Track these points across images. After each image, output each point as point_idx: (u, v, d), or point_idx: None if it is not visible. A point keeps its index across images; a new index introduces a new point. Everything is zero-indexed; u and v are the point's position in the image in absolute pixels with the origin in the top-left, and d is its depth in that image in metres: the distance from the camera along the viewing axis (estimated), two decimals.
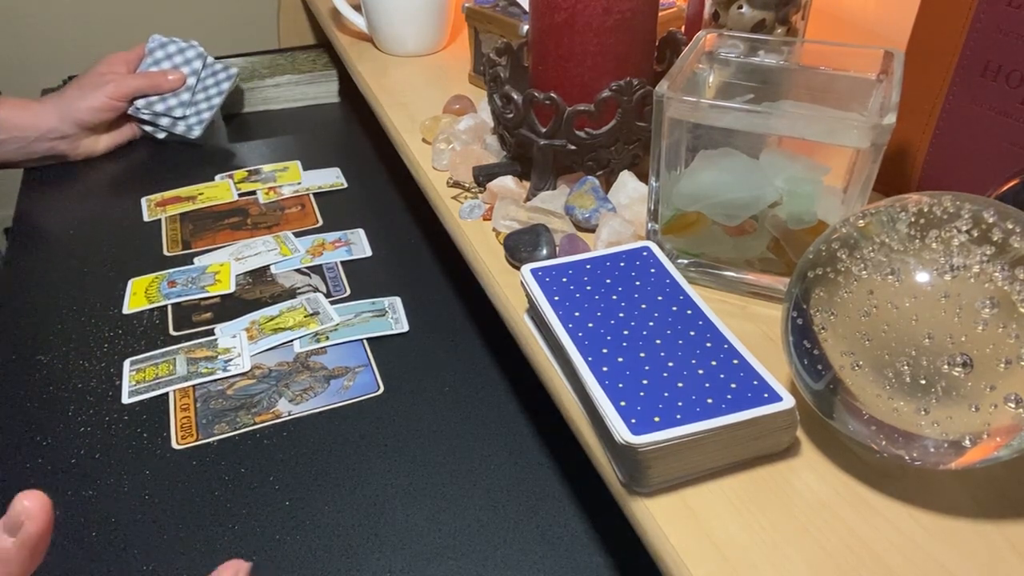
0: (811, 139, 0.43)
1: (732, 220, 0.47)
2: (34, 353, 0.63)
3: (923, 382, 0.32)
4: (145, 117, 0.90)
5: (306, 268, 0.73)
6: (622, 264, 0.47)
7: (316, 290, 0.70)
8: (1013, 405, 0.31)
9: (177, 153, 0.93)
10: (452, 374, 0.61)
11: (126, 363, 0.62)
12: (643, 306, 0.43)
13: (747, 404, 0.37)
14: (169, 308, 0.68)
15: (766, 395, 0.37)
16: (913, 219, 0.34)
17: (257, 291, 0.70)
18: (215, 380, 0.60)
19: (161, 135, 0.92)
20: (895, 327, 0.33)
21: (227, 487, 0.52)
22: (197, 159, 0.92)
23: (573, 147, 0.56)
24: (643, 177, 0.57)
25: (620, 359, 0.40)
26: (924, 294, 0.32)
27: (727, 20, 0.61)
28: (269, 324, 0.65)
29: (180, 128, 0.91)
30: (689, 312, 0.43)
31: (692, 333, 0.41)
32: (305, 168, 0.90)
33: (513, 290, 0.51)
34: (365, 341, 0.64)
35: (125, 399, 0.59)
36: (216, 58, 0.94)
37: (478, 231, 0.57)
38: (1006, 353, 0.31)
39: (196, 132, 0.91)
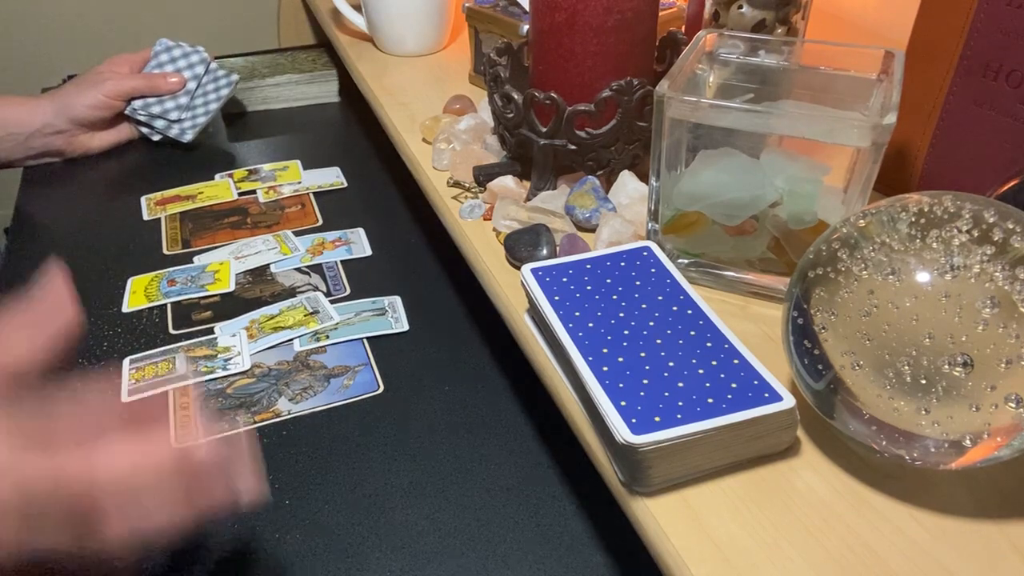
0: (811, 139, 0.43)
1: (732, 220, 0.47)
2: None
3: (923, 382, 0.32)
4: (141, 118, 0.90)
5: (306, 267, 0.73)
6: (622, 264, 0.47)
7: (316, 289, 0.70)
8: (1013, 405, 0.31)
9: (177, 152, 0.93)
10: (452, 374, 0.61)
11: (126, 361, 0.62)
12: (643, 306, 0.43)
13: (747, 404, 0.37)
14: (169, 307, 0.68)
15: (766, 395, 0.37)
16: (913, 219, 0.35)
17: (257, 290, 0.70)
18: (215, 379, 0.60)
19: (156, 137, 0.92)
20: (896, 327, 0.33)
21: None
22: (197, 158, 0.92)
23: (573, 147, 0.56)
24: (643, 177, 0.57)
25: (620, 359, 0.40)
26: (924, 294, 0.33)
27: (727, 20, 0.61)
28: (269, 323, 0.65)
29: (174, 131, 0.91)
30: (689, 312, 0.43)
31: (692, 333, 0.41)
32: (305, 167, 0.90)
33: (513, 290, 0.51)
34: (365, 340, 0.64)
35: (124, 398, 0.58)
36: (216, 58, 0.94)
37: (478, 231, 0.57)
38: (1006, 353, 0.31)
39: (188, 136, 0.91)
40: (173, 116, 0.90)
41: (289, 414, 0.57)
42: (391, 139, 0.73)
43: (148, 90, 0.89)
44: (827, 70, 0.50)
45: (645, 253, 0.47)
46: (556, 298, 0.44)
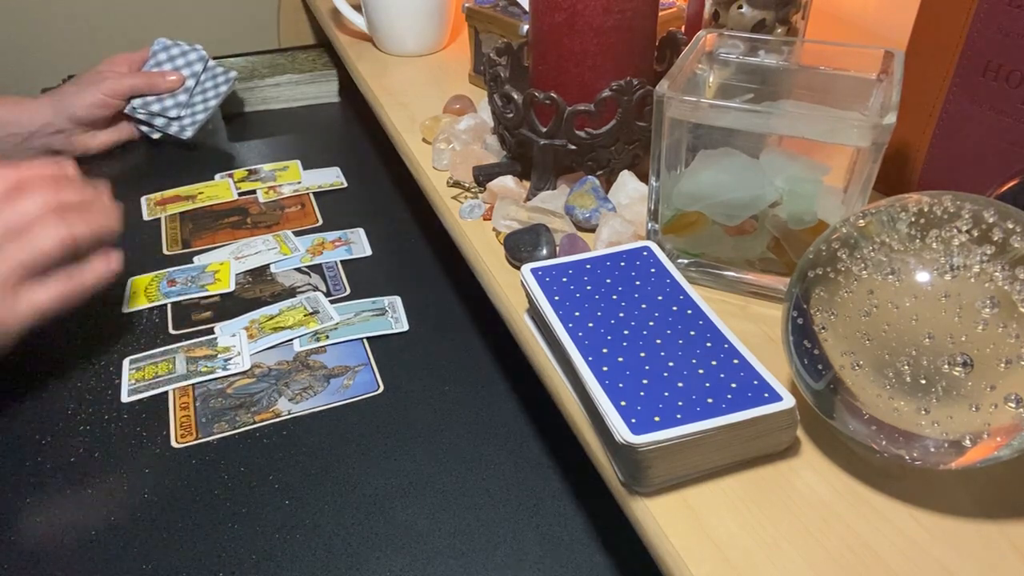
0: (812, 139, 0.43)
1: (732, 220, 0.47)
2: (33, 351, 0.63)
3: (923, 382, 0.32)
4: (141, 117, 0.90)
5: (306, 267, 0.73)
6: (622, 264, 0.47)
7: (316, 289, 0.70)
8: (1013, 405, 0.31)
9: (177, 152, 0.93)
10: (452, 374, 0.61)
11: (125, 362, 0.62)
12: (643, 306, 0.43)
13: (747, 404, 0.37)
14: (169, 307, 0.68)
15: (766, 395, 0.37)
16: (913, 219, 0.35)
17: (257, 290, 0.70)
18: (215, 379, 0.60)
19: (156, 135, 0.92)
20: (895, 327, 0.33)
21: (227, 486, 0.52)
22: (197, 158, 0.92)
23: (573, 147, 0.56)
24: (643, 177, 0.57)
25: (620, 359, 0.40)
26: (924, 294, 0.33)
27: (727, 20, 0.61)
28: (269, 323, 0.65)
29: (174, 128, 0.91)
30: (689, 312, 0.43)
31: (692, 333, 0.41)
32: (305, 167, 0.90)
33: (513, 290, 0.51)
34: (365, 340, 0.64)
35: (124, 398, 0.58)
36: (216, 58, 0.94)
37: (478, 231, 0.57)
38: (1006, 353, 0.31)
39: (189, 133, 0.91)
40: (173, 114, 0.90)
41: (289, 414, 0.57)
42: (391, 139, 0.74)
43: (147, 88, 0.89)
44: (827, 70, 0.50)
45: (645, 253, 0.47)
46: (556, 298, 0.44)
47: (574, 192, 0.56)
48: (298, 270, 0.72)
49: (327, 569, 0.47)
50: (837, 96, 0.49)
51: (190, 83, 0.90)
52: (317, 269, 0.72)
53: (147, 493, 0.51)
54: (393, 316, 0.66)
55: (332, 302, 0.68)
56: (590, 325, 0.42)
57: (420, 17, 0.85)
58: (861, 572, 0.34)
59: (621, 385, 0.38)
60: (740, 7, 0.60)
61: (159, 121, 0.90)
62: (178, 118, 0.90)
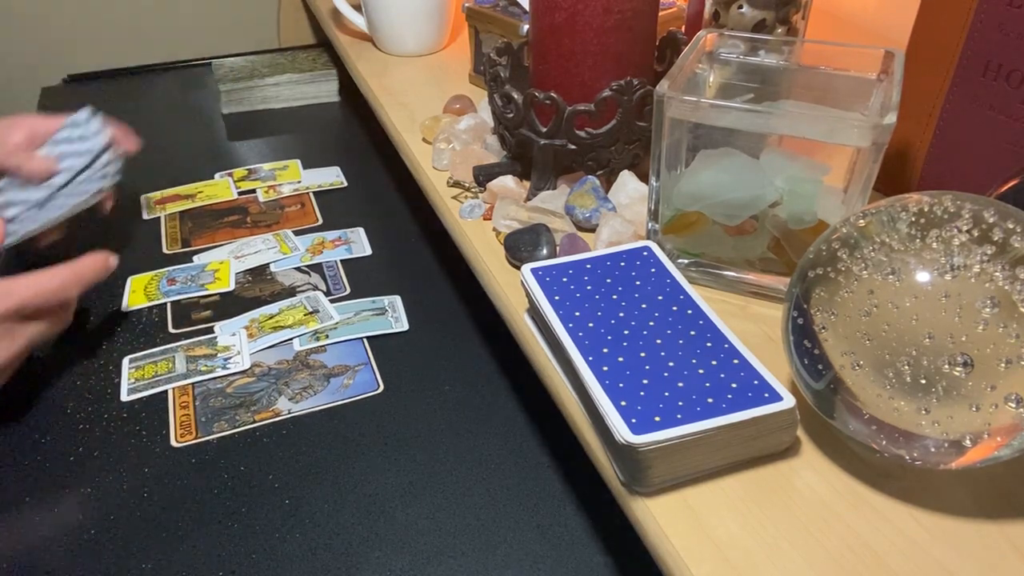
0: (812, 138, 0.43)
1: (732, 220, 0.47)
2: (32, 350, 0.63)
3: (923, 382, 0.32)
4: None
5: (306, 266, 0.73)
6: (622, 264, 0.47)
7: (316, 288, 0.70)
8: (1013, 405, 0.31)
9: (177, 151, 0.93)
10: (452, 373, 0.61)
11: (125, 360, 0.62)
12: (643, 306, 0.43)
13: (747, 404, 0.37)
14: (168, 306, 0.68)
15: (766, 395, 0.37)
16: (913, 219, 0.35)
17: (257, 289, 0.70)
18: (214, 378, 0.60)
19: None
20: (896, 327, 0.33)
21: (226, 485, 0.52)
22: (197, 157, 0.92)
23: (573, 147, 0.56)
24: (643, 177, 0.57)
25: (620, 359, 0.40)
26: (925, 294, 0.33)
27: (727, 20, 0.61)
28: (269, 322, 0.65)
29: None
30: (689, 312, 0.43)
31: (692, 333, 0.41)
32: (305, 167, 0.90)
33: (513, 290, 0.51)
34: (365, 340, 0.64)
35: (124, 397, 0.58)
36: (216, 58, 0.94)
37: (478, 231, 0.57)
38: (1006, 353, 0.31)
39: (11, 240, 0.66)
40: (13, 212, 0.67)
41: (289, 413, 0.57)
42: (391, 139, 0.73)
43: (16, 171, 0.68)
44: (827, 70, 0.50)
45: (645, 253, 0.47)
46: (556, 298, 0.44)
47: (574, 192, 0.56)
48: (298, 269, 0.72)
49: (327, 569, 0.47)
50: (837, 96, 0.49)
51: (57, 180, 0.69)
52: (317, 268, 0.72)
53: (147, 493, 0.51)
54: (393, 316, 0.66)
55: (332, 301, 0.68)
56: (590, 325, 0.42)
57: (420, 17, 0.85)
58: (861, 572, 0.34)
59: (621, 385, 0.38)
60: (740, 7, 0.60)
61: (8, 212, 0.68)
62: (14, 219, 0.68)
